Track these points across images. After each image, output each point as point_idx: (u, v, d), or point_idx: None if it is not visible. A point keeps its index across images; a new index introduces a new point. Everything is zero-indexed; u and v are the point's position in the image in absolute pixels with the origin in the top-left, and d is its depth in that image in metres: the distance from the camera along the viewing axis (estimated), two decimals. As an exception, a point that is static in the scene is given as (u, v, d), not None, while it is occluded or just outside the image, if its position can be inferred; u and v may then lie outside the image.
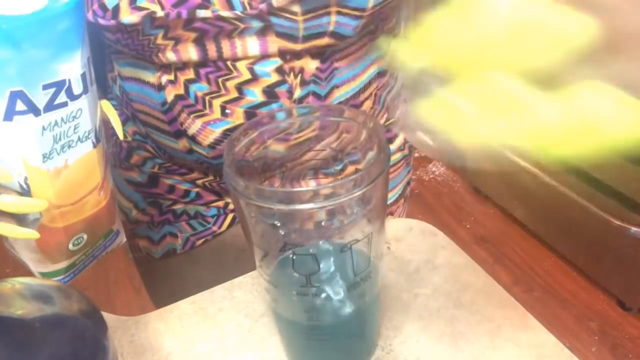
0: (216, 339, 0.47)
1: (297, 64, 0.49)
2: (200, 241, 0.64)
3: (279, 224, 0.34)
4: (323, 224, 0.35)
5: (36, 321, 0.30)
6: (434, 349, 0.44)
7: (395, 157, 0.65)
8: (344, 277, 0.37)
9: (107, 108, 0.42)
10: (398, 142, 0.66)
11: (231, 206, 0.64)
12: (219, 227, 0.64)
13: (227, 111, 0.50)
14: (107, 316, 0.46)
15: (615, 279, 1.49)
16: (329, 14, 0.45)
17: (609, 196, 1.40)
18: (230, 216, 0.64)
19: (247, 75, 0.48)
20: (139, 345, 0.47)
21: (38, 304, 0.32)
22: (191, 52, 0.46)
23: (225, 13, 0.43)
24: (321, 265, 0.36)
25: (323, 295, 0.37)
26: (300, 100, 0.51)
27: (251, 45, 0.47)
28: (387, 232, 0.56)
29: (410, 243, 0.55)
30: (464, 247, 0.53)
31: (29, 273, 0.42)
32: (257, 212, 0.33)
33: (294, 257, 0.36)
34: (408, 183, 0.71)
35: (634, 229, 1.34)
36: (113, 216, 0.45)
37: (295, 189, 0.31)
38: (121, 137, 0.43)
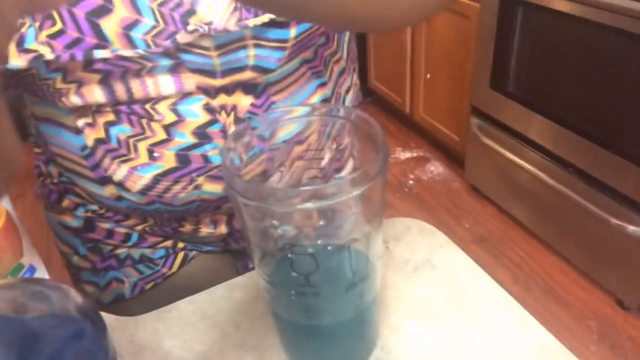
0: (215, 339, 0.47)
1: (229, 100, 0.45)
2: (150, 285, 0.59)
3: (277, 224, 0.34)
4: (322, 223, 0.35)
5: (35, 321, 0.30)
6: (434, 349, 0.44)
7: None
8: (343, 276, 0.37)
9: None
10: (349, 167, 0.59)
11: (181, 244, 0.59)
12: (170, 269, 0.59)
13: (156, 154, 0.45)
14: (107, 316, 0.46)
15: (615, 278, 1.49)
16: (245, 47, 0.42)
17: (608, 196, 1.40)
18: (180, 255, 0.59)
19: (171, 117, 0.44)
20: (138, 345, 0.47)
21: (37, 304, 0.32)
22: (97, 95, 0.42)
23: (127, 52, 0.39)
24: (320, 265, 0.36)
25: (322, 295, 0.37)
26: None
27: (165, 83, 0.42)
28: (386, 232, 0.56)
29: (408, 242, 0.55)
30: (463, 246, 0.53)
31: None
32: (256, 212, 0.33)
33: (293, 257, 0.36)
34: None
35: (632, 228, 1.34)
36: (18, 247, 0.39)
37: (294, 189, 0.31)
38: None
